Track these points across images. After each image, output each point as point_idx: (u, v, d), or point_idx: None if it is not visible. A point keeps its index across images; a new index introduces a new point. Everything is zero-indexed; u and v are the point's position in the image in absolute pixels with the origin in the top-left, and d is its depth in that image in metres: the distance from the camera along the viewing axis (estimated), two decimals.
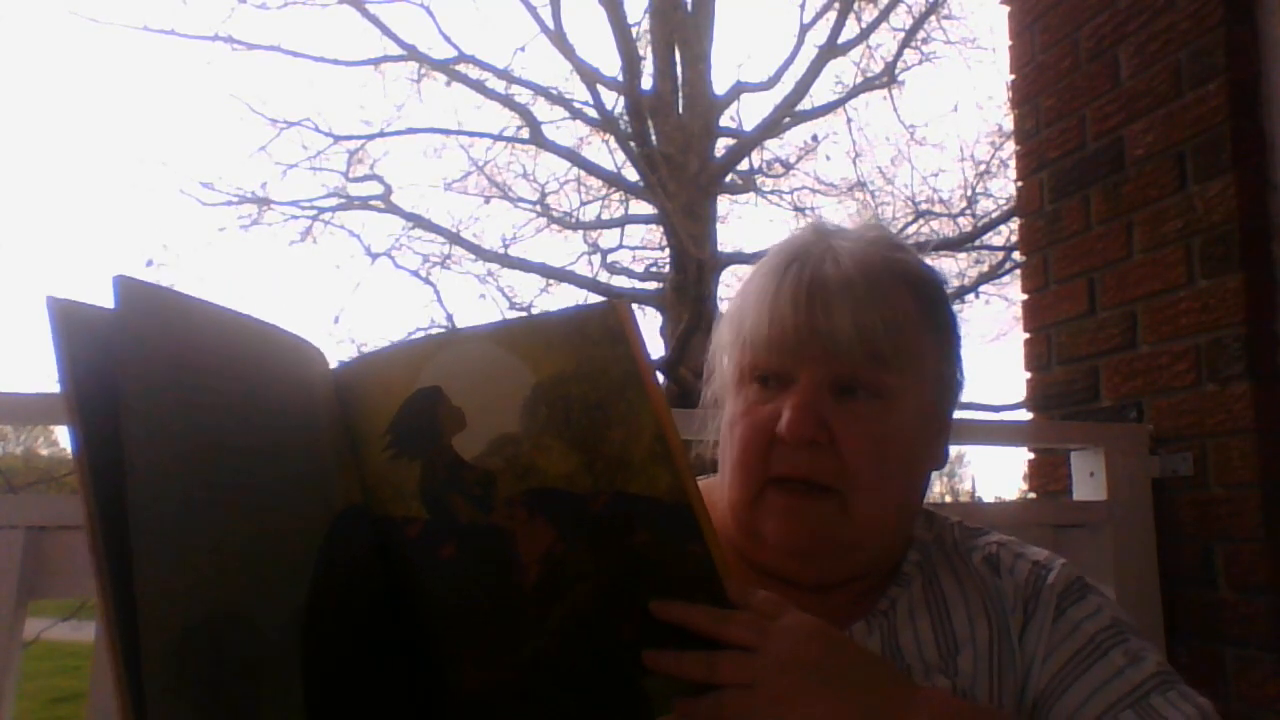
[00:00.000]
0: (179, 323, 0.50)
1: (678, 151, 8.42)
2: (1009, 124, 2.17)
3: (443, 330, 0.66)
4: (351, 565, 0.58)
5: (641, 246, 9.97)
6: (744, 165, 9.43)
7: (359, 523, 0.60)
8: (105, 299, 0.48)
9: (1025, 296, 2.04)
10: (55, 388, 0.52)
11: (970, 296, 9.10)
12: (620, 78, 8.71)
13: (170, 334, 0.49)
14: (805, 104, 9.35)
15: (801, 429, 0.70)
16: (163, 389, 0.47)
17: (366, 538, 0.60)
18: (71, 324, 0.47)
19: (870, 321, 0.71)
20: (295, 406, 0.58)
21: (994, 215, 9.12)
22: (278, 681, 0.49)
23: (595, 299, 0.65)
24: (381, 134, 9.45)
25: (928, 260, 0.80)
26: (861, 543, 0.74)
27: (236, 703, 0.46)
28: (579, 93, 9.07)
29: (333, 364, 0.64)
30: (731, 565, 0.72)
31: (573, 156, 9.18)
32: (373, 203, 9.47)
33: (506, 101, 9.09)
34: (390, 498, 0.60)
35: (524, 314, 0.64)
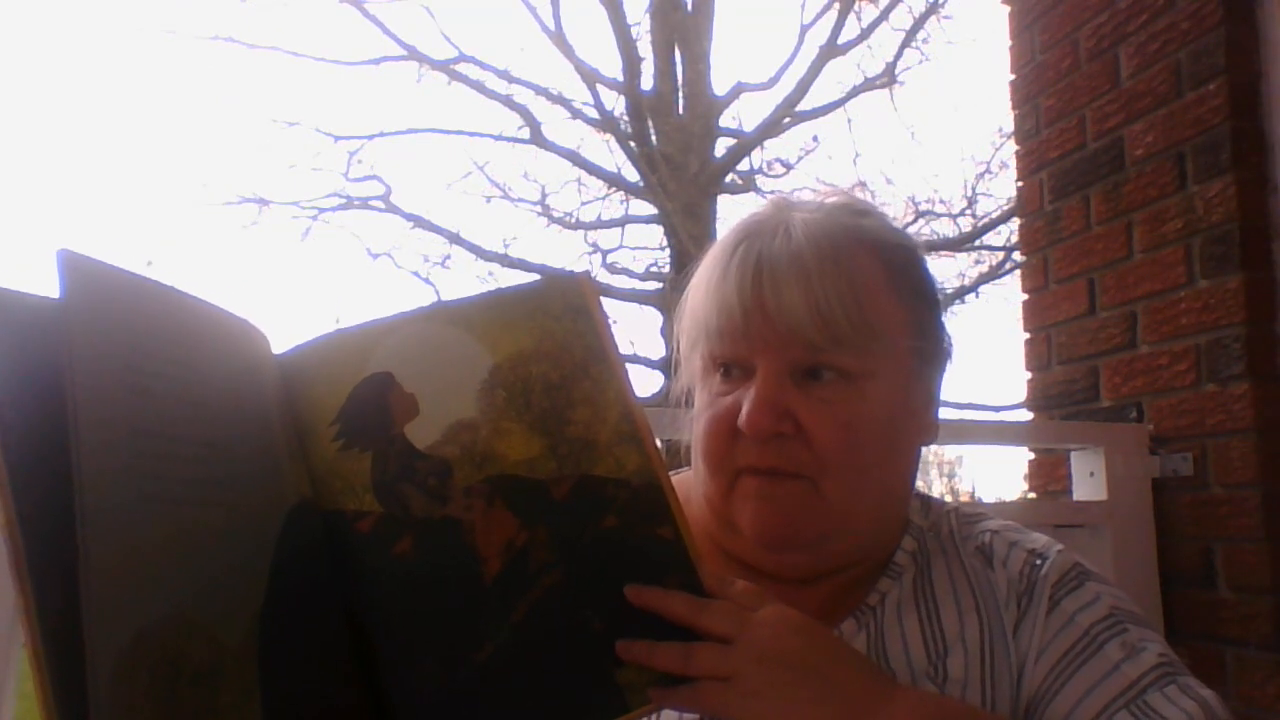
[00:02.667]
0: (130, 306, 0.47)
1: (678, 151, 8.42)
2: (1009, 124, 2.17)
3: (392, 312, 0.64)
4: (307, 563, 0.55)
5: (641, 246, 9.98)
6: (744, 165, 9.43)
7: (311, 518, 0.56)
8: (35, 285, 0.45)
9: (1025, 296, 2.04)
10: None
11: (970, 296, 9.12)
12: (620, 78, 8.72)
13: (122, 320, 0.46)
14: (805, 104, 9.36)
15: (762, 423, 0.65)
16: (116, 380, 0.44)
17: (320, 533, 0.57)
18: None
19: (824, 297, 0.65)
20: (245, 394, 0.55)
21: (994, 215, 9.13)
22: (236, 691, 0.47)
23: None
24: (381, 134, 9.46)
25: (926, 257, 0.75)
26: (841, 530, 0.70)
27: (192, 715, 0.44)
28: (579, 93, 9.08)
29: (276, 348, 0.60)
30: (711, 557, 0.69)
31: (573, 156, 9.18)
32: (373, 203, 9.48)
33: (506, 101, 9.10)
34: (340, 491, 0.57)
35: (480, 291, 0.61)
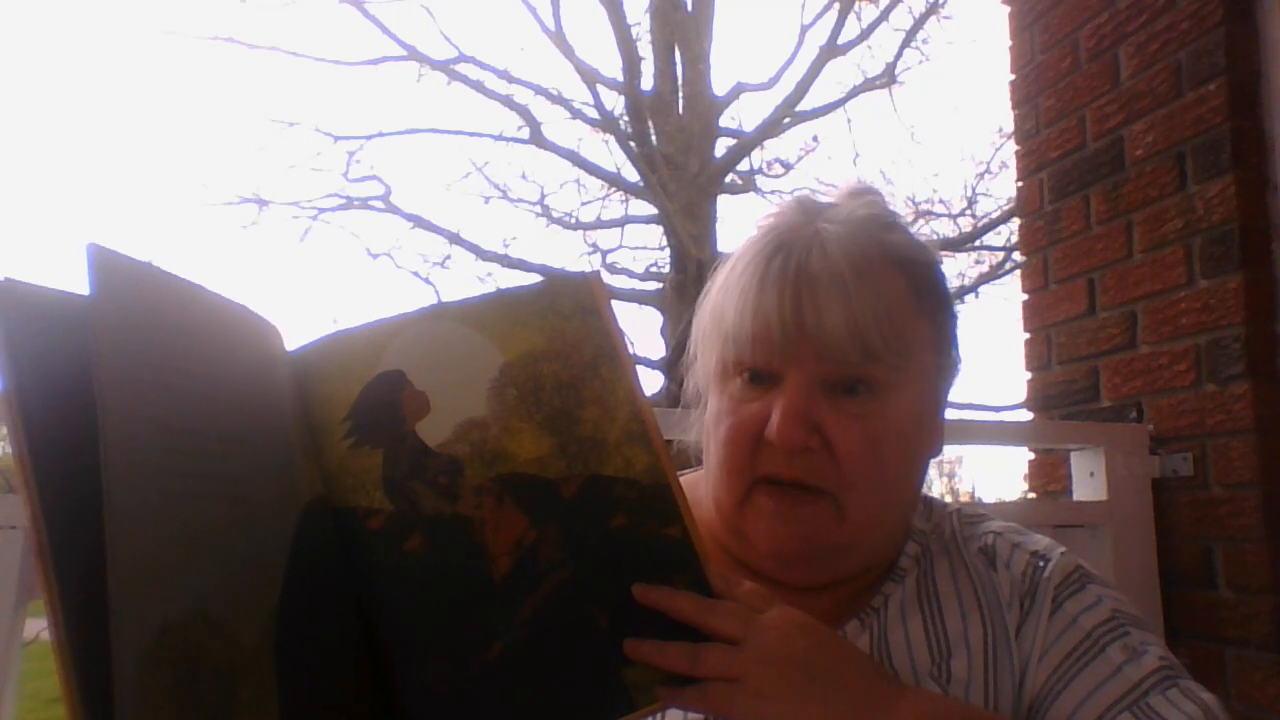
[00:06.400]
0: (156, 302, 0.48)
1: (678, 151, 8.42)
2: (1009, 124, 2.17)
3: (396, 312, 0.65)
4: (321, 560, 0.55)
5: (641, 246, 9.97)
6: (744, 165, 9.43)
7: (325, 515, 0.57)
8: (61, 282, 0.45)
9: (1025, 296, 2.04)
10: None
11: (970, 296, 9.12)
12: (620, 78, 8.71)
13: (149, 316, 0.47)
14: (805, 104, 9.35)
15: (793, 436, 0.65)
16: (143, 376, 0.45)
17: (333, 530, 0.57)
18: (10, 309, 0.43)
19: (863, 318, 0.66)
20: (263, 390, 0.55)
21: (994, 215, 9.13)
22: (254, 687, 0.47)
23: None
24: (381, 134, 9.46)
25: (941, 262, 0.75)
26: (857, 545, 0.70)
27: (213, 711, 0.44)
28: (579, 93, 9.08)
29: (289, 345, 0.60)
30: (717, 560, 0.69)
31: (572, 156, 9.18)
32: (373, 203, 9.47)
33: (506, 101, 9.09)
34: (351, 488, 0.57)
35: (490, 291, 0.62)
